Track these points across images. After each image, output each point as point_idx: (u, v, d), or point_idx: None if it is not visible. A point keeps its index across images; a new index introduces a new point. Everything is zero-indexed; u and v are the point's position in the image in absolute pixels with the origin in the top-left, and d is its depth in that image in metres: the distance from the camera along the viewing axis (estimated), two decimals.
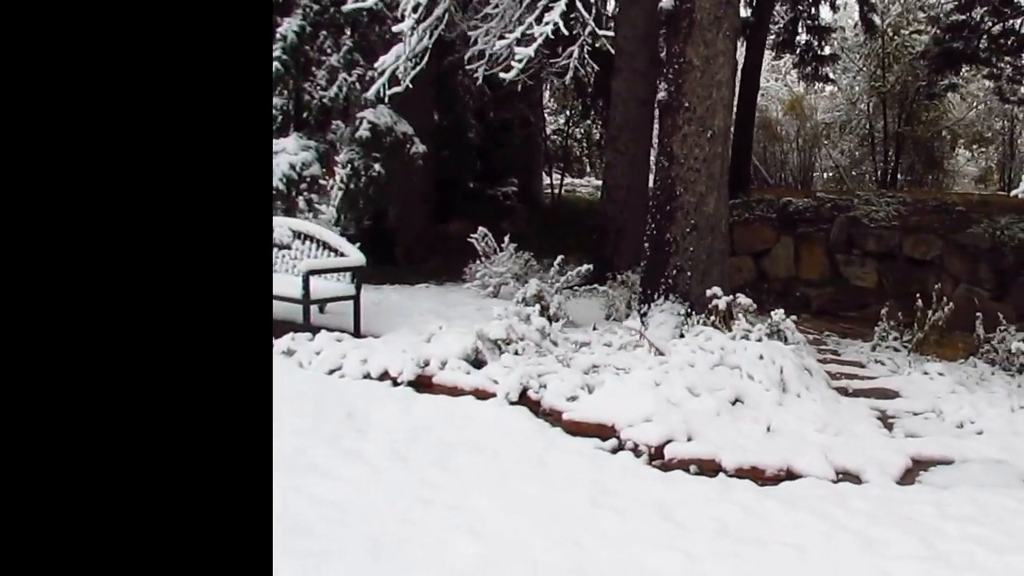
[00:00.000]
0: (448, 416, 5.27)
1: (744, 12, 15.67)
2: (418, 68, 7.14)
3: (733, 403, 5.34)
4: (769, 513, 3.95)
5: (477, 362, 5.97)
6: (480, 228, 10.01)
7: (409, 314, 8.35)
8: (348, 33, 10.34)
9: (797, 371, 5.87)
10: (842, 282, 12.95)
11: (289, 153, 9.90)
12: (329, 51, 10.31)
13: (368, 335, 7.47)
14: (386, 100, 7.41)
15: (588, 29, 6.36)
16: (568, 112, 17.55)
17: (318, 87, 10.25)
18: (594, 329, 7.71)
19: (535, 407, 5.40)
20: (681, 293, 8.07)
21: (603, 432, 4.97)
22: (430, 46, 7.15)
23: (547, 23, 6.14)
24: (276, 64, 10.07)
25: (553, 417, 5.27)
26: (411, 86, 7.07)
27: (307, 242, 7.73)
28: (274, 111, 10.30)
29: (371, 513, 3.79)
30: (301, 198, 9.84)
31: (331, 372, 5.96)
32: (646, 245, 8.35)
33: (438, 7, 7.04)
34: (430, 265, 11.85)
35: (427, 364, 5.84)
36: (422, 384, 5.79)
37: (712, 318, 7.37)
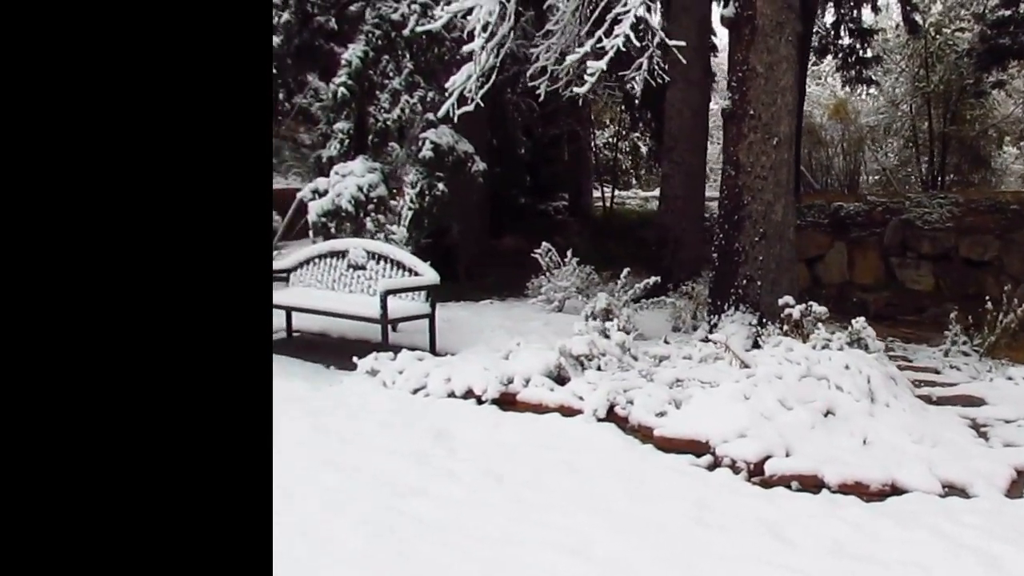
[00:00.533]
0: (536, 434, 5.14)
1: None
2: (486, 87, 7.03)
3: (824, 415, 5.15)
4: (882, 530, 3.77)
5: (560, 378, 5.85)
6: (544, 244, 9.88)
7: (480, 330, 8.24)
8: (408, 56, 10.26)
9: (884, 380, 5.67)
10: (897, 286, 12.66)
11: (356, 175, 9.86)
12: (391, 74, 10.26)
13: (443, 352, 7.38)
14: (455, 119, 7.27)
15: (657, 39, 6.17)
16: (616, 125, 17.34)
17: (381, 110, 10.19)
18: (666, 342, 7.54)
19: (623, 423, 5.26)
20: (751, 303, 7.89)
21: (697, 448, 4.81)
22: (496, 64, 7.03)
23: (617, 35, 5.99)
24: (342, 89, 10.07)
25: (642, 433, 5.12)
26: (481, 104, 6.96)
27: (381, 262, 7.66)
28: (340, 134, 10.28)
29: (475, 535, 3.67)
30: (369, 219, 9.79)
31: (416, 391, 5.87)
32: (714, 255, 8.18)
33: (503, 26, 6.93)
34: (489, 281, 11.74)
35: (510, 381, 5.72)
36: (506, 401, 5.66)
37: (785, 327, 7.18)
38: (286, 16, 10.17)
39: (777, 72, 7.82)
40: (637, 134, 17.06)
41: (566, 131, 17.33)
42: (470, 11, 9.90)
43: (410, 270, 7.45)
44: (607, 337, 6.09)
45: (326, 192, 9.96)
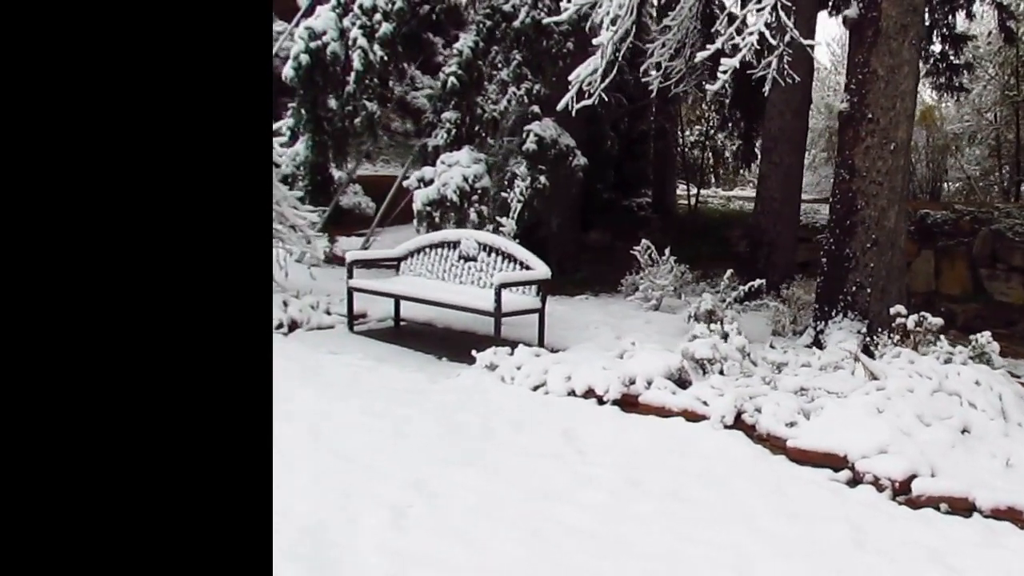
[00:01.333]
0: (664, 439, 4.93)
1: None
2: (607, 80, 6.80)
3: (960, 433, 4.84)
4: None
5: (680, 381, 5.61)
6: (643, 241, 9.60)
7: (582, 326, 8.03)
8: (517, 48, 10.06)
9: (1015, 399, 5.33)
10: (986, 297, 12.13)
11: (462, 166, 9.71)
12: (499, 66, 10.07)
13: (551, 348, 7.19)
14: (573, 113, 7.06)
15: (787, 37, 5.87)
16: (704, 124, 16.93)
17: (489, 101, 10.01)
18: (771, 347, 7.24)
19: (750, 432, 5.02)
20: (860, 310, 7.57)
21: (834, 462, 4.56)
22: (618, 59, 6.79)
23: (752, 32, 5.71)
24: (452, 79, 9.92)
25: (772, 443, 4.87)
26: (605, 97, 6.74)
27: (493, 254, 7.49)
28: (448, 124, 10.13)
29: (633, 549, 3.47)
30: (472, 209, 9.63)
31: (536, 388, 5.68)
32: (823, 260, 7.85)
33: (627, 20, 6.68)
34: (579, 276, 11.50)
35: (632, 383, 5.51)
36: (628, 403, 5.46)
37: (897, 337, 6.85)
38: (399, 3, 10.01)
39: (898, 76, 7.47)
40: (724, 134, 16.59)
41: (653, 128, 16.96)
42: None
43: (522, 263, 7.27)
44: (725, 340, 5.82)
45: (432, 181, 9.83)
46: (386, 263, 8.23)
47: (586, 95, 7.21)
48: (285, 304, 7.70)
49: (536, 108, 10.17)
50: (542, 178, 10.03)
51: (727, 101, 15.79)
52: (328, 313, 7.91)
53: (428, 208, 9.70)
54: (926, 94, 21.14)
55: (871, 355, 7.10)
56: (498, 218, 8.70)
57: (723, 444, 4.86)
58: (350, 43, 10.11)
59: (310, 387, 5.43)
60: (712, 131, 16.59)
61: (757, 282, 8.24)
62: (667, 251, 9.64)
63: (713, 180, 21.20)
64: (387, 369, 6.22)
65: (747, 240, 11.26)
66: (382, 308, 8.23)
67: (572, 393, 5.60)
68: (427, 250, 8.00)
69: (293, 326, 7.57)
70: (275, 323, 7.46)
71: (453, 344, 7.47)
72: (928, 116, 20.81)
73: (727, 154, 17.58)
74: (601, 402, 5.49)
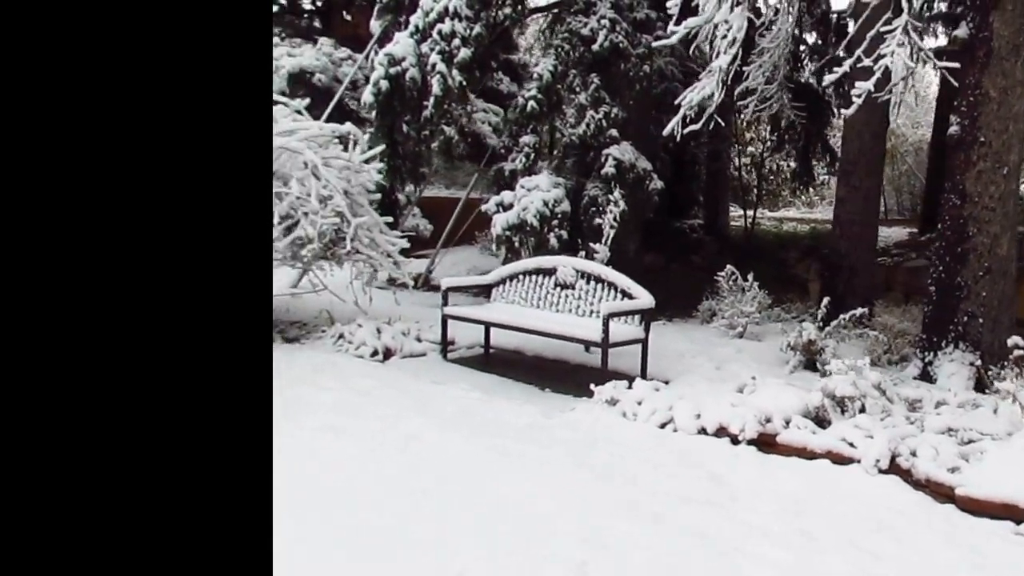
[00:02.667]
0: (815, 483, 4.52)
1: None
2: (714, 105, 6.43)
3: None
4: None
5: (818, 419, 5.18)
6: (728, 267, 9.19)
7: (675, 356, 7.64)
8: (595, 72, 9.72)
9: None
10: None
11: (542, 190, 9.36)
12: (577, 89, 9.72)
13: (653, 379, 6.79)
14: (677, 138, 6.69)
15: (929, 62, 5.49)
16: (760, 145, 16.50)
17: (567, 124, 9.66)
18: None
19: (906, 476, 4.58)
20: (972, 341, 7.13)
21: (1013, 513, 4.11)
22: (726, 81, 6.43)
23: (894, 52, 5.32)
24: (532, 102, 9.60)
25: (933, 490, 4.44)
26: (721, 122, 6.36)
27: (591, 282, 7.10)
28: (527, 148, 9.79)
29: None
30: (552, 234, 9.26)
31: (663, 425, 5.27)
32: (931, 288, 7.41)
33: (732, 48, 6.32)
34: None
35: (768, 421, 5.08)
36: (764, 443, 5.05)
37: (1017, 370, 6.38)
38: (478, 29, 9.71)
39: (1011, 97, 7.05)
40: (780, 155, 16.15)
41: (706, 149, 16.56)
42: (643, 25, 9.34)
43: (623, 292, 6.88)
44: (861, 376, 5.39)
45: (511, 206, 9.47)
46: (477, 289, 7.85)
47: (687, 119, 6.86)
48: (379, 331, 7.35)
49: (614, 131, 9.82)
50: (621, 202, 9.66)
51: (784, 123, 15.36)
52: (419, 340, 7.56)
53: (508, 233, 9.35)
54: None
55: (983, 389, 6.67)
56: (591, 244, 8.30)
57: (882, 490, 4.44)
58: (428, 68, 9.81)
59: (431, 422, 5.05)
60: (768, 152, 16.11)
61: (859, 311, 7.77)
62: (750, 277, 9.21)
63: (755, 201, 20.69)
64: (497, 402, 5.84)
65: (824, 264, 10.78)
66: (470, 335, 7.87)
67: (703, 431, 5.19)
68: (521, 277, 7.63)
69: (388, 353, 7.22)
70: (370, 351, 7.13)
71: (550, 374, 7.09)
72: None
73: (784, 176, 17.08)
74: (735, 441, 5.08)
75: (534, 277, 7.55)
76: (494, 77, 13.78)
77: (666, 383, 6.67)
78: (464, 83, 9.85)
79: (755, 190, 16.28)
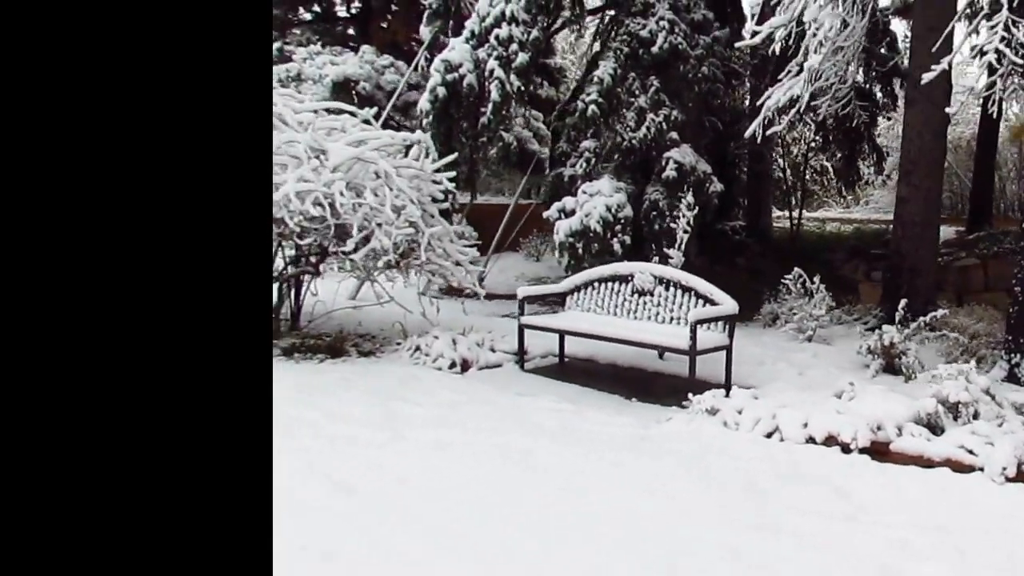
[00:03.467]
0: (941, 494, 4.41)
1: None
2: (798, 106, 6.32)
3: None
4: None
5: (930, 426, 5.07)
6: (796, 269, 9.05)
7: (753, 362, 7.52)
8: (655, 75, 9.63)
9: None
10: None
11: (605, 195, 9.28)
12: (637, 92, 9.63)
13: (738, 386, 6.69)
14: (757, 139, 6.59)
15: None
16: (804, 145, 16.34)
17: (627, 128, 9.57)
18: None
19: None
20: None
21: None
22: (812, 81, 6.32)
23: (988, 50, 5.21)
24: (592, 106, 9.52)
25: None
26: (819, 121, 6.24)
27: (671, 288, 7.00)
28: (587, 152, 9.71)
29: None
30: (616, 240, 9.18)
31: (768, 435, 5.16)
32: (1016, 289, 7.26)
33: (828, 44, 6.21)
34: None
35: (879, 429, 4.97)
36: (877, 452, 4.94)
37: None
38: (535, 33, 9.64)
39: None
40: (826, 155, 15.97)
41: (747, 150, 16.39)
42: (700, 26, 9.23)
43: (705, 298, 6.78)
44: (969, 381, 5.28)
45: (573, 212, 9.40)
46: (550, 298, 7.77)
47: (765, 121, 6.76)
48: (454, 342, 7.28)
49: (674, 134, 9.73)
50: (683, 206, 9.55)
51: (831, 123, 15.21)
52: (493, 351, 7.48)
53: (571, 239, 9.28)
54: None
55: None
56: (666, 250, 8.20)
57: (1015, 500, 4.32)
58: (486, 74, 9.75)
59: (536, 436, 4.97)
60: (811, 153, 15.95)
61: (940, 312, 7.64)
62: (816, 279, 9.07)
63: (793, 202, 20.50)
64: (589, 413, 5.76)
65: (886, 265, 10.62)
66: (542, 344, 7.78)
67: (811, 440, 5.08)
68: (596, 284, 7.54)
69: (465, 365, 7.15)
70: (448, 363, 7.06)
71: (629, 382, 7.00)
72: (1022, 133, 20.02)
73: (828, 176, 16.91)
74: (846, 450, 4.97)
75: (610, 284, 7.46)
76: (534, 82, 13.73)
77: (750, 389, 6.58)
78: (522, 88, 9.78)
79: (799, 191, 16.07)
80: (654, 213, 9.62)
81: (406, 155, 7.65)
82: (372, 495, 3.82)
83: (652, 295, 7.13)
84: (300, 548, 3.17)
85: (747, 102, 15.11)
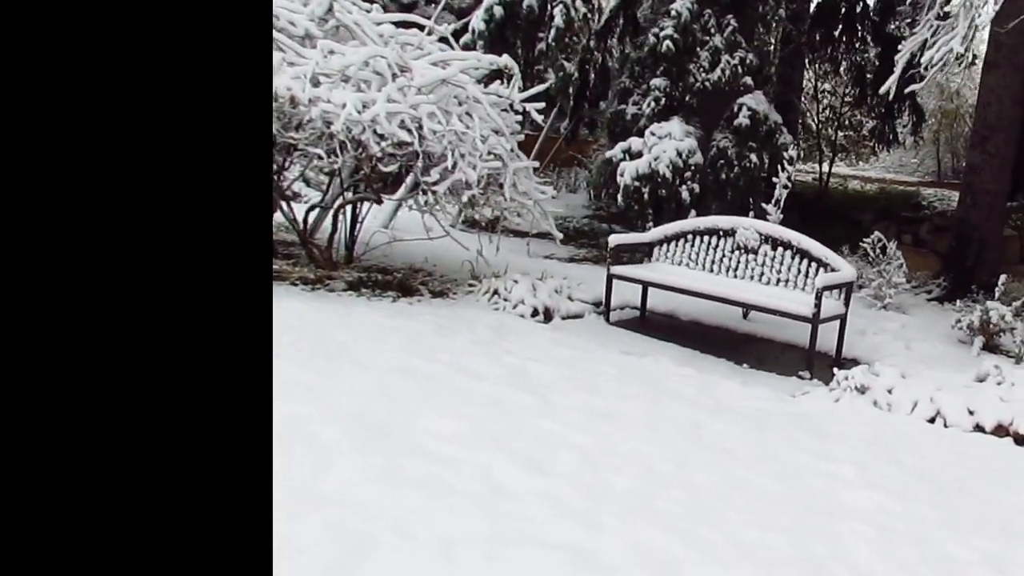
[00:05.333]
0: None
1: None
2: (956, 59, 5.88)
3: None
4: None
5: None
6: (875, 233, 8.70)
7: (856, 332, 7.12)
8: (732, 13, 9.08)
9: None
10: None
11: (675, 139, 8.78)
12: (712, 31, 9.08)
13: (849, 360, 6.38)
14: (890, 96, 6.15)
15: None
16: (835, 98, 15.93)
17: (701, 69, 9.03)
18: None
19: None
20: None
21: None
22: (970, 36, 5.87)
23: None
24: (668, 42, 8.94)
25: None
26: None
27: (778, 248, 6.59)
28: (656, 91, 9.16)
29: None
30: (684, 188, 8.71)
31: (931, 420, 4.83)
32: None
33: None
34: None
35: None
36: None
37: None
38: None
39: None
40: (861, 110, 15.59)
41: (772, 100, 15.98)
42: None
43: (819, 261, 6.39)
44: None
45: (639, 154, 8.89)
46: (636, 247, 7.31)
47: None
48: (534, 288, 6.80)
49: (748, 80, 9.23)
50: (753, 156, 9.13)
51: (870, 77, 14.82)
52: (571, 299, 7.02)
53: (637, 183, 8.79)
54: None
55: None
56: (763, 205, 7.76)
57: None
58: None
59: (686, 405, 4.56)
60: (846, 107, 15.58)
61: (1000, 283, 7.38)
62: (892, 245, 8.75)
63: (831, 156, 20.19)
64: (718, 380, 5.36)
65: (953, 235, 10.36)
66: (618, 295, 7.33)
67: (979, 429, 4.76)
68: (689, 236, 7.08)
69: (548, 314, 6.68)
70: (530, 310, 6.58)
71: (724, 343, 6.65)
72: None
73: (863, 133, 16.55)
74: (1019, 441, 4.67)
75: (705, 238, 7.01)
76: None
77: (863, 364, 6.27)
78: (587, 15, 9.16)
79: (832, 145, 15.73)
80: (721, 161, 9.16)
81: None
82: (572, 479, 3.37)
83: (756, 253, 6.71)
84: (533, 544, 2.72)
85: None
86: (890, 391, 5.08)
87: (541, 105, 6.96)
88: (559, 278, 7.27)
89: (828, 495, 3.57)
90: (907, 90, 6.28)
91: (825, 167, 15.46)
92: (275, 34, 6.25)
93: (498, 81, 6.98)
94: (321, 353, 4.68)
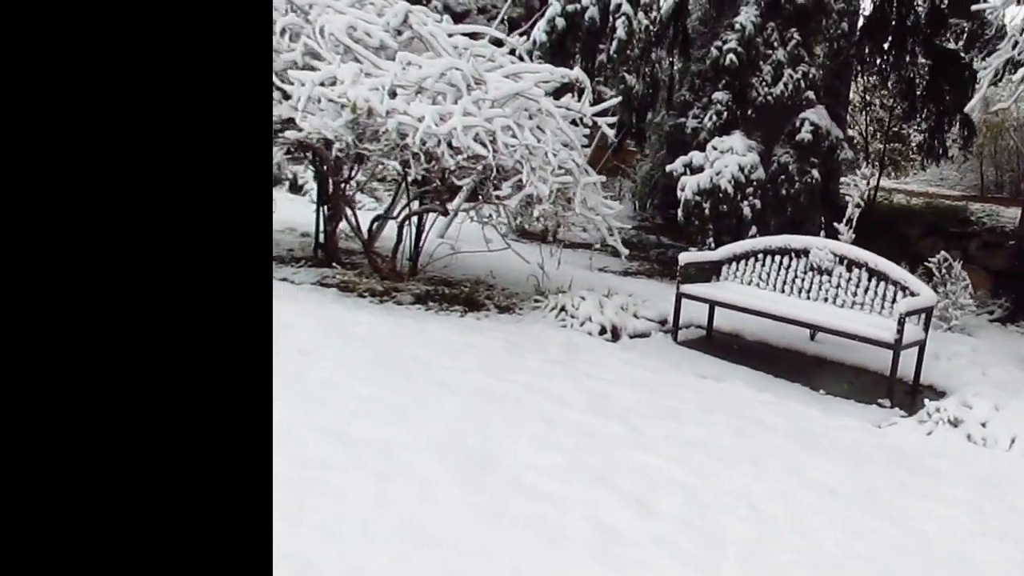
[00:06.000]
0: None
1: None
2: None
3: None
4: None
5: None
6: (941, 253, 8.42)
7: (929, 355, 6.84)
8: (795, 27, 8.83)
9: None
10: None
11: (737, 153, 8.54)
12: (775, 45, 8.83)
13: (926, 387, 6.12)
14: (974, 114, 5.89)
15: None
16: (884, 112, 15.59)
17: (763, 83, 8.79)
18: None
19: None
20: None
21: None
22: None
23: None
24: (732, 56, 8.70)
25: None
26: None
27: (854, 270, 6.35)
28: (718, 105, 8.93)
29: None
30: (746, 203, 8.48)
31: None
32: None
33: None
34: None
35: None
36: None
37: None
38: None
39: None
40: (910, 124, 15.24)
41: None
42: None
43: (898, 284, 6.15)
44: None
45: (701, 168, 8.66)
46: (702, 266, 7.09)
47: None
48: (601, 305, 6.60)
49: (810, 94, 8.98)
50: (815, 172, 8.88)
51: (920, 92, 14.48)
52: (636, 316, 6.81)
53: (698, 198, 8.56)
54: None
55: None
56: (835, 224, 7.52)
57: None
58: (612, 8, 8.89)
59: (782, 439, 4.34)
60: (896, 120, 15.24)
61: None
62: (957, 265, 8.46)
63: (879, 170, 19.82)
64: (802, 409, 5.14)
65: (1015, 251, 10.05)
66: (683, 313, 7.11)
67: None
68: (759, 256, 6.85)
69: (615, 332, 6.48)
70: (597, 328, 6.39)
71: (795, 365, 6.42)
72: None
73: (910, 146, 16.20)
74: None
75: (777, 257, 6.78)
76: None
77: (931, 389, 6.04)
78: (650, 27, 8.94)
79: (881, 158, 15.42)
80: (782, 177, 8.92)
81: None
82: (683, 522, 3.17)
83: (830, 275, 6.47)
84: None
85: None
86: (984, 424, 4.83)
87: (613, 119, 6.76)
88: (623, 295, 7.07)
89: (948, 543, 3.34)
90: (967, 108, 5.99)
91: (872, 181, 15.11)
92: (352, 44, 6.10)
93: (569, 94, 6.78)
94: (401, 372, 4.52)
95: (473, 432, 3.75)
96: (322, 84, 5.89)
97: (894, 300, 6.10)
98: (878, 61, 14.17)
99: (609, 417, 4.30)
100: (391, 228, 7.40)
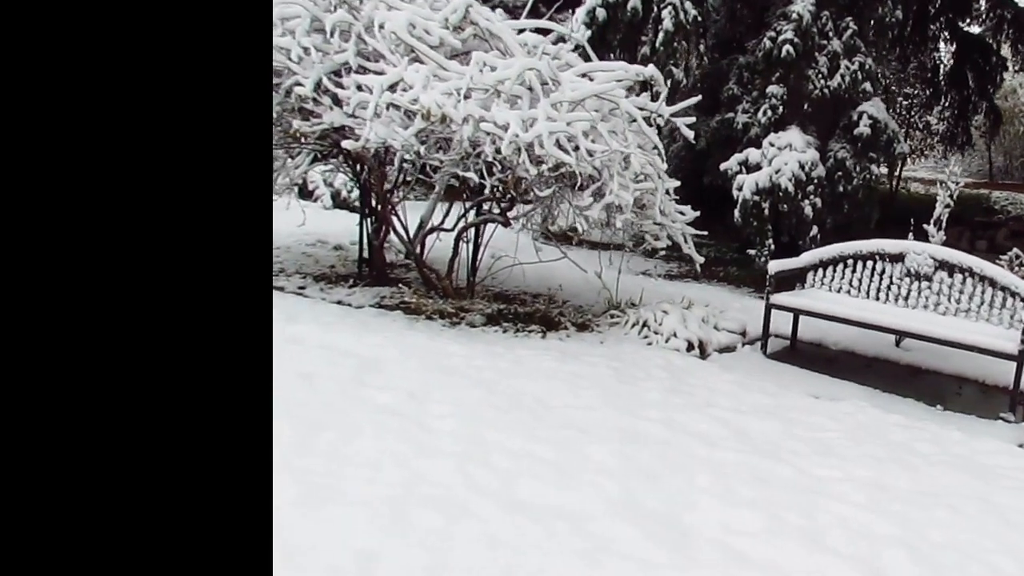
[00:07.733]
0: None
1: None
2: None
3: None
4: None
5: None
6: (1013, 249, 8.15)
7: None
8: (852, 16, 8.50)
9: None
10: None
11: (796, 150, 8.21)
12: (830, 35, 8.50)
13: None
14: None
15: None
16: (907, 99, 15.36)
17: (819, 75, 8.46)
18: None
19: None
20: None
21: None
22: None
23: None
24: (787, 47, 8.35)
25: None
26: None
27: (956, 275, 6.02)
28: (773, 99, 8.58)
29: None
30: (807, 202, 8.14)
31: None
32: None
33: None
34: None
35: None
36: None
37: None
38: None
39: None
40: (932, 112, 15.03)
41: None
42: None
43: (1006, 289, 5.82)
44: None
45: (758, 166, 8.31)
46: (786, 274, 6.74)
47: None
48: (684, 319, 6.23)
49: (867, 86, 8.66)
50: (873, 167, 8.57)
51: (942, 80, 14.29)
52: (717, 328, 6.46)
53: (756, 198, 8.21)
54: None
55: None
56: (924, 226, 7.19)
57: None
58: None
59: (929, 474, 4.00)
60: (918, 106, 15.01)
61: None
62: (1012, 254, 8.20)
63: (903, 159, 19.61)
64: (930, 427, 4.81)
65: None
66: (757, 321, 6.76)
67: None
68: (849, 261, 6.51)
69: (702, 348, 6.12)
70: (683, 344, 6.02)
71: (894, 376, 6.10)
72: None
73: (931, 132, 16.00)
74: None
75: (868, 263, 6.44)
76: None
77: None
78: (699, 18, 8.57)
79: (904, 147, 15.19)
80: (839, 173, 8.59)
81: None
82: None
83: (930, 280, 6.14)
84: None
85: None
86: None
87: (691, 119, 6.37)
88: (700, 306, 6.71)
89: None
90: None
91: (895, 171, 14.90)
92: (416, 44, 5.66)
93: (645, 93, 6.39)
94: (528, 413, 4.13)
95: (646, 490, 3.38)
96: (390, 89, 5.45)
97: (1003, 306, 5.78)
98: (898, 48, 13.96)
99: (765, 455, 3.94)
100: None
